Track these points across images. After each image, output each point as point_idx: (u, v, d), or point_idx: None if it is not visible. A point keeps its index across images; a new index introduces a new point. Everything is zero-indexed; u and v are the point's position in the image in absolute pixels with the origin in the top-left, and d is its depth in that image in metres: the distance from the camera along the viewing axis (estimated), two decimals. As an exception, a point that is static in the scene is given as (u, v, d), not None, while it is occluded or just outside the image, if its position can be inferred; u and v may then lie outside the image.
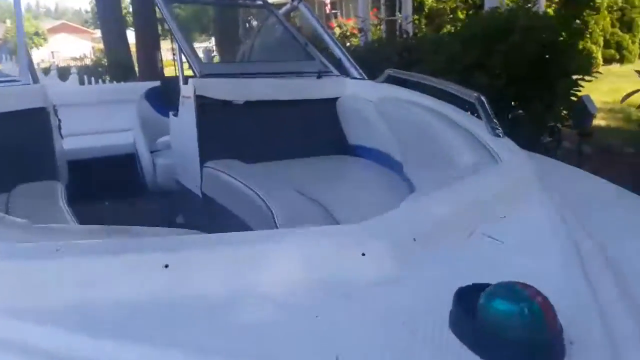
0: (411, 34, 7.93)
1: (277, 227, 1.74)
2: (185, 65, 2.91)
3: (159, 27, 11.07)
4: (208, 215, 2.61)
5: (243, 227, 2.09)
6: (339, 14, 17.47)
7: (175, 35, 2.84)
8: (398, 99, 2.41)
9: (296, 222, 1.76)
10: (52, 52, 29.08)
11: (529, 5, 4.45)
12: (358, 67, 3.04)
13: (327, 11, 17.06)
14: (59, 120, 3.02)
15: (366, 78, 2.99)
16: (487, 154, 1.70)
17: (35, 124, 2.43)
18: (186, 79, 2.81)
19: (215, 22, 12.75)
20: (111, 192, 3.59)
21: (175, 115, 3.00)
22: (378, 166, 2.59)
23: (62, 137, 3.01)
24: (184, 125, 2.82)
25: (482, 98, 1.83)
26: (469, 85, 2.22)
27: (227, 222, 2.29)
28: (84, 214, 3.39)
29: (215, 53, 15.37)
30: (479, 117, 1.87)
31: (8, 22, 34.01)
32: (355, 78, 3.01)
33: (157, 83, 3.97)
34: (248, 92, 2.78)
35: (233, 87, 2.77)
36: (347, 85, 2.98)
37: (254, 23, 3.94)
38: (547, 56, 3.77)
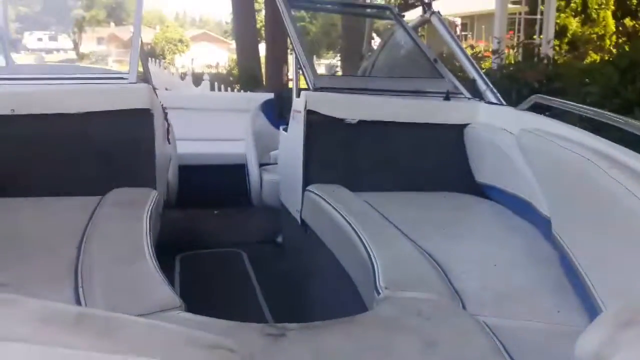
0: (551, 59, 7.21)
1: (377, 290, 1.39)
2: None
3: (289, 42, 11.34)
4: (305, 246, 2.33)
5: (339, 272, 1.77)
6: (469, 36, 16.85)
7: (292, 41, 2.63)
8: (549, 134, 1.92)
9: (403, 286, 1.40)
10: (192, 58, 31.28)
11: None
12: (495, 91, 2.60)
13: (458, 32, 16.50)
14: (168, 125, 2.95)
15: (504, 103, 2.55)
16: None
17: (137, 126, 2.31)
18: (300, 91, 2.58)
19: (343, 38, 12.85)
20: (219, 200, 3.54)
21: (286, 130, 2.80)
22: (513, 215, 2.11)
23: (169, 142, 2.92)
24: (292, 141, 2.60)
25: None
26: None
27: (323, 261, 1.98)
28: (193, 220, 3.43)
29: (338, 69, 15.43)
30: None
31: (157, 27, 37.40)
32: (491, 103, 2.58)
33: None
34: (363, 110, 2.49)
35: (347, 104, 2.49)
36: (480, 111, 2.55)
37: (382, 39, 3.67)
38: None
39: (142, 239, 1.62)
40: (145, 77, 2.66)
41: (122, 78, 2.40)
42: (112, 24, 41.02)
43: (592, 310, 1.36)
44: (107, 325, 0.67)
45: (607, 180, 1.44)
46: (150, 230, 1.71)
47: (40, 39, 19.65)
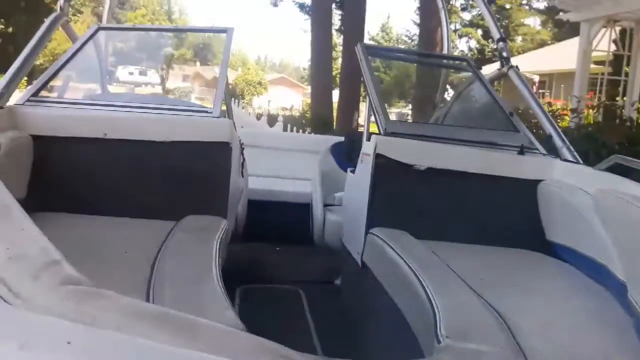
0: (635, 122, 6.94)
1: (438, 338, 1.37)
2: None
3: (362, 89, 11.72)
4: (364, 289, 2.32)
5: (397, 317, 1.75)
6: (547, 94, 16.53)
7: (367, 87, 2.70)
8: (628, 195, 1.85)
9: (464, 336, 1.37)
10: (268, 100, 32.45)
11: None
12: (572, 148, 2.53)
13: (535, 89, 16.23)
14: (243, 159, 3.07)
15: (581, 162, 2.47)
16: None
17: (215, 158, 2.42)
18: (370, 135, 2.63)
19: (416, 87, 13.01)
20: (282, 237, 3.62)
21: (353, 172, 2.84)
22: (585, 277, 2.02)
23: (242, 175, 3.04)
24: (358, 183, 2.63)
25: None
26: None
27: (381, 305, 1.97)
28: (256, 253, 3.51)
29: (409, 117, 15.50)
30: None
31: (239, 69, 39.32)
32: (567, 160, 2.51)
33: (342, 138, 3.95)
34: (433, 158, 2.49)
35: (417, 150, 2.49)
36: (555, 168, 2.49)
37: (457, 90, 3.69)
38: None
39: (210, 264, 1.69)
40: (227, 113, 2.81)
41: (206, 112, 2.55)
42: (198, 63, 43.55)
43: None
44: (187, 325, 0.72)
45: None
46: (219, 257, 1.78)
47: (131, 73, 21.15)
